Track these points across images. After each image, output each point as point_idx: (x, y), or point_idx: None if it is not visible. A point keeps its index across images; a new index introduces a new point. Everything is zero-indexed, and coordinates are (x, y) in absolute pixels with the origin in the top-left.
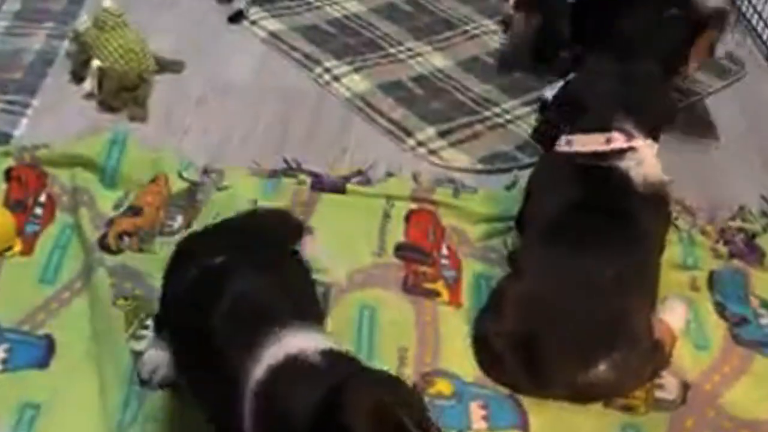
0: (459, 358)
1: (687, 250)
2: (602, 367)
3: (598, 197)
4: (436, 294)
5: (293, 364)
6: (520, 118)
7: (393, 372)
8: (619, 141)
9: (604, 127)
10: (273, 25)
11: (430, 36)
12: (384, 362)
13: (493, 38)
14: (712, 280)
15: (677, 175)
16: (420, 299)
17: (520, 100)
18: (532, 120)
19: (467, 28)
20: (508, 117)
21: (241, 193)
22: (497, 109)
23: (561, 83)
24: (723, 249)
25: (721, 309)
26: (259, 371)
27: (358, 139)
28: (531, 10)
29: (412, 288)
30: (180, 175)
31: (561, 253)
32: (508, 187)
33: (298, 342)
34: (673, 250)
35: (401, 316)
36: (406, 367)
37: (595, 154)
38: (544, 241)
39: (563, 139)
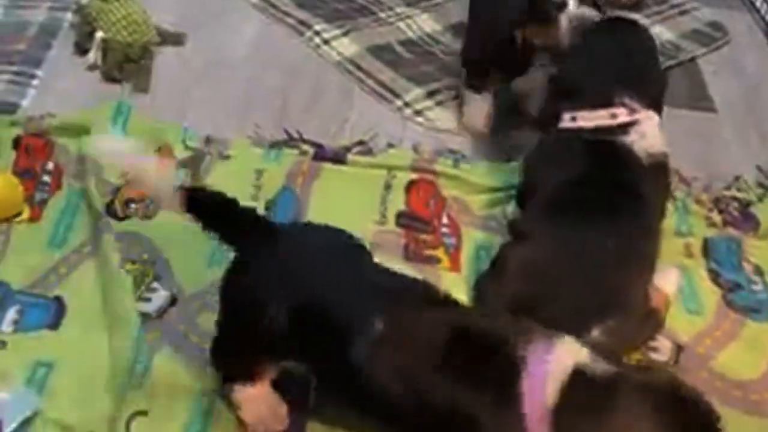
0: None
1: (682, 218)
2: (595, 332)
3: (604, 171)
4: (437, 260)
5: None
6: None
7: None
8: (623, 115)
9: (608, 103)
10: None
11: (419, 1)
12: None
13: None
14: (707, 247)
15: (674, 146)
16: (421, 266)
17: None
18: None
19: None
20: None
21: (243, 163)
22: None
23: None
24: (717, 217)
25: (714, 275)
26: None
27: (359, 110)
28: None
29: (413, 255)
30: (184, 144)
31: (565, 222)
32: (509, 159)
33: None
34: (668, 219)
35: None
36: None
37: (600, 129)
38: (549, 212)
39: (566, 116)
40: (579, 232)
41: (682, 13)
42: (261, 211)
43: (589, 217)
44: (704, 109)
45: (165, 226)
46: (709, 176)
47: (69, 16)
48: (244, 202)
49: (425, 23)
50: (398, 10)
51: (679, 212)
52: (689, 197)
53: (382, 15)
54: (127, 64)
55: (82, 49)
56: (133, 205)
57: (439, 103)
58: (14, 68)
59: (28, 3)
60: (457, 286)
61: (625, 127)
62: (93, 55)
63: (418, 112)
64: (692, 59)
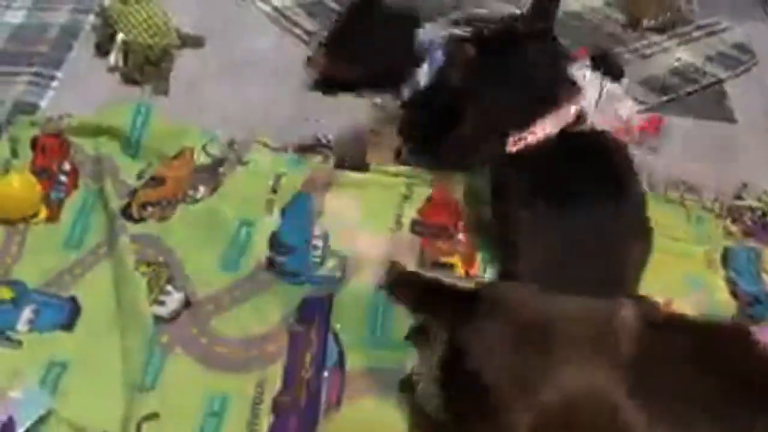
0: None
1: (699, 228)
2: None
3: (576, 169)
4: (451, 267)
5: None
6: None
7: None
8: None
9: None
10: (279, 1)
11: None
12: (401, 332)
13: None
14: (727, 257)
15: (692, 155)
16: (436, 273)
17: None
18: None
19: (477, 11)
20: None
21: (261, 168)
22: None
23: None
24: (734, 227)
25: (732, 286)
26: None
27: None
28: None
29: (428, 262)
30: (204, 150)
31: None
32: None
33: None
34: (685, 228)
35: None
36: None
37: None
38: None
39: (510, 140)
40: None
41: (709, 35)
42: (276, 216)
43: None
44: (724, 119)
45: (180, 229)
46: (726, 185)
47: (90, 18)
48: (261, 207)
49: None
50: None
51: (695, 222)
52: (703, 207)
53: None
54: (147, 67)
55: (102, 51)
56: (149, 208)
57: None
58: (34, 69)
59: (49, 5)
60: None
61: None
62: (113, 57)
63: None
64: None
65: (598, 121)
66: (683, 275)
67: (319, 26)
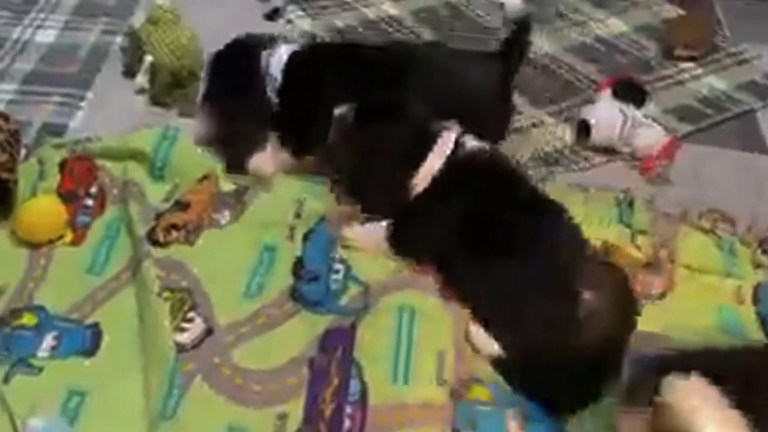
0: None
1: (729, 260)
2: None
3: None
4: None
5: None
6: (545, 126)
7: (432, 377)
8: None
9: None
10: (308, 24)
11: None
12: (423, 365)
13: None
14: (757, 293)
15: (725, 186)
16: (455, 305)
17: (545, 110)
18: (556, 130)
19: (503, 36)
20: (532, 121)
21: (285, 194)
22: (520, 116)
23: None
24: (763, 258)
25: (762, 321)
26: None
27: None
28: None
29: (446, 293)
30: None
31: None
32: None
33: None
34: (716, 260)
35: (439, 320)
36: (444, 371)
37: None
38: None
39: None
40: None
41: (740, 63)
42: (298, 242)
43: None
44: (756, 149)
45: (205, 254)
46: (756, 216)
47: (119, 39)
48: (284, 233)
49: None
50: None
51: (725, 253)
52: (735, 238)
53: None
54: (174, 89)
55: (130, 73)
56: (174, 232)
57: None
58: (64, 90)
59: (81, 26)
60: None
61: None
62: (141, 79)
63: None
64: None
65: (623, 149)
66: (714, 308)
67: None
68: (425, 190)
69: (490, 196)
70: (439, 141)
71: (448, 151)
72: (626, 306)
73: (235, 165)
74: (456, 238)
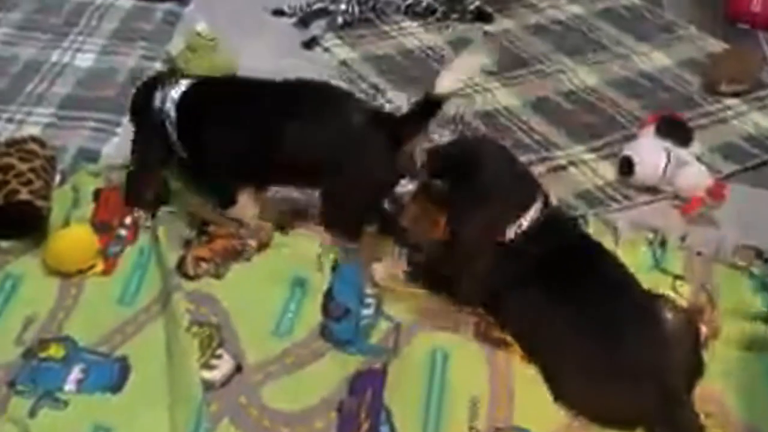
0: (535, 413)
1: (765, 298)
2: None
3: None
4: (509, 344)
5: None
6: (585, 163)
7: (464, 425)
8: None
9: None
10: (345, 53)
11: (502, 72)
12: (455, 411)
13: (569, 76)
14: None
15: (755, 223)
16: (492, 348)
17: (587, 146)
18: (596, 167)
19: (542, 67)
20: (572, 160)
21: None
22: (561, 152)
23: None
24: None
25: None
26: None
27: None
28: None
29: (484, 335)
30: None
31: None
32: None
33: None
34: (749, 298)
35: (474, 364)
36: (477, 419)
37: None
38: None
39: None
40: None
41: None
42: (327, 273)
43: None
44: None
45: (235, 288)
46: None
47: (157, 65)
48: (313, 264)
49: (504, 95)
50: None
51: (759, 291)
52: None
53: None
54: None
55: None
56: (203, 264)
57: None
58: (100, 115)
59: (120, 50)
60: (532, 375)
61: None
62: None
63: None
64: None
65: (666, 188)
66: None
67: (386, 81)
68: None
69: (560, 243)
70: (539, 199)
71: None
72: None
73: (135, 198)
74: (528, 279)
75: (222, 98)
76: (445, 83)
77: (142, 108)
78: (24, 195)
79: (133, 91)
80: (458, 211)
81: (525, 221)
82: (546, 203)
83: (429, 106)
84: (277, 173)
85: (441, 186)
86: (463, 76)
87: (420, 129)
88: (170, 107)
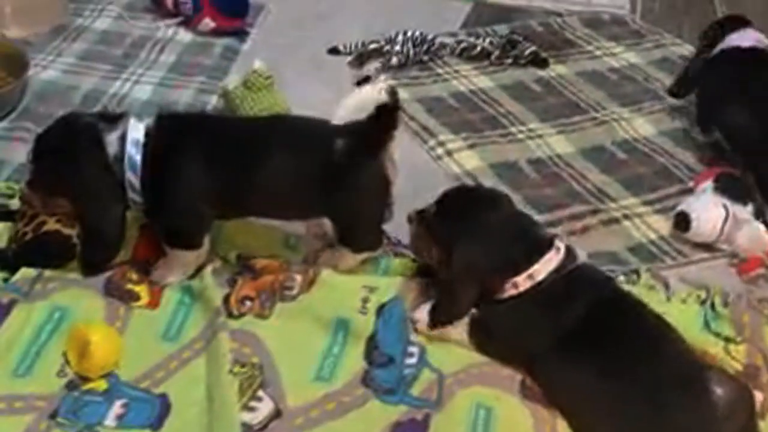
0: None
1: None
2: None
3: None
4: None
5: None
6: (639, 216)
7: None
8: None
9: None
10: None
11: (556, 118)
12: None
13: (623, 125)
14: None
15: None
16: (538, 406)
17: (641, 198)
18: (651, 221)
19: (597, 114)
20: (625, 213)
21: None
22: (614, 204)
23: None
24: None
25: None
26: None
27: None
28: None
29: (529, 392)
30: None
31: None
32: None
33: None
34: None
35: (518, 421)
36: None
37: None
38: None
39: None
40: None
41: None
42: (372, 315)
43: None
44: None
45: (279, 328)
46: None
47: (214, 99)
48: (357, 306)
49: (557, 143)
50: (531, 125)
51: None
52: None
53: (513, 129)
54: None
55: None
56: (248, 302)
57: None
58: None
59: (176, 83)
60: None
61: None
62: None
63: None
64: None
65: (723, 246)
66: None
67: (437, 123)
68: (526, 294)
69: (590, 305)
70: (552, 250)
71: (557, 262)
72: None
73: (91, 266)
74: (556, 340)
75: (200, 133)
76: (340, 113)
77: (82, 157)
78: (51, 225)
79: (44, 135)
80: (442, 241)
81: (538, 272)
82: (568, 257)
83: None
84: (260, 205)
85: (431, 213)
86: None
87: (391, 130)
88: (133, 150)
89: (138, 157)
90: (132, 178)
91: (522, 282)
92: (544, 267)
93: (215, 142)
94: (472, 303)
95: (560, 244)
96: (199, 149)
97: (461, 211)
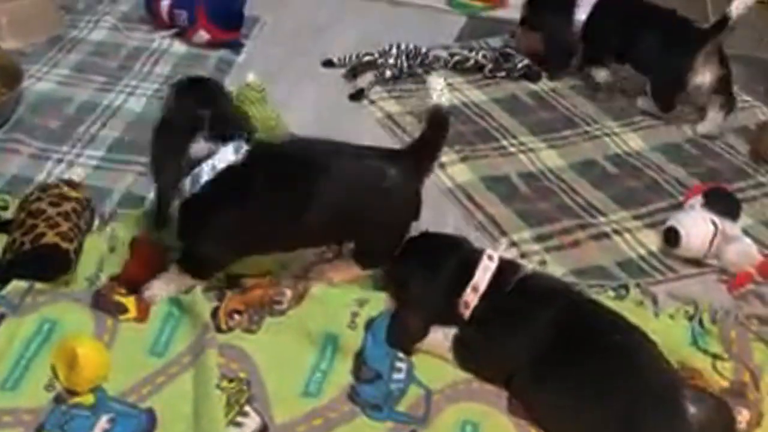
0: None
1: None
2: None
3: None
4: None
5: None
6: (629, 231)
7: None
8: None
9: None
10: (391, 106)
11: (548, 132)
12: None
13: (614, 140)
14: None
15: None
16: (525, 422)
17: (631, 213)
18: (640, 236)
19: (588, 128)
20: (615, 227)
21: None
22: (604, 219)
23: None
24: None
25: None
26: None
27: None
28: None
29: (516, 408)
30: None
31: None
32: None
33: None
34: None
35: None
36: None
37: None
38: None
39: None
40: None
41: None
42: (360, 331)
43: None
44: None
45: (267, 343)
46: None
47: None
48: (345, 320)
49: (549, 157)
50: (522, 138)
51: None
52: None
53: (504, 143)
54: None
55: None
56: (236, 316)
57: (548, 250)
58: (146, 159)
59: None
60: None
61: None
62: None
63: (524, 255)
64: None
65: (712, 262)
66: None
67: None
68: (483, 310)
69: (560, 319)
70: (482, 262)
71: (492, 271)
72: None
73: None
74: (529, 358)
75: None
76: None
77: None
78: (50, 238)
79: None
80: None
81: (479, 282)
82: (510, 266)
83: (438, 122)
84: (305, 237)
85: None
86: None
87: (438, 148)
88: (204, 172)
89: (202, 180)
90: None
91: (470, 296)
92: (483, 275)
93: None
94: (421, 333)
95: (491, 253)
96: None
97: (413, 253)
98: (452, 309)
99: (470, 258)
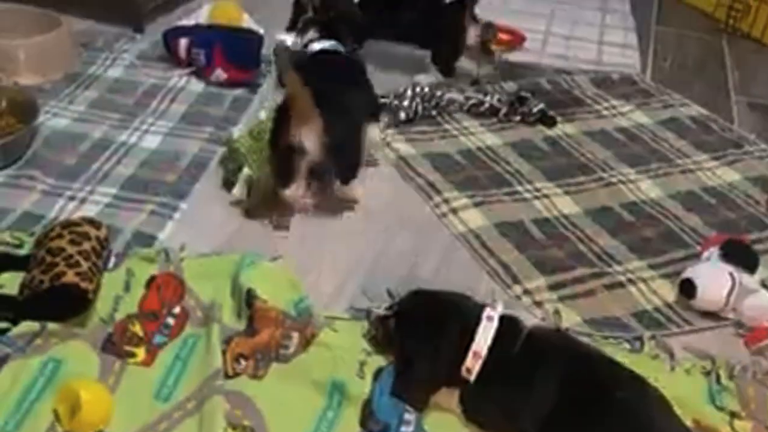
0: None
1: None
2: None
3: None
4: None
5: None
6: (644, 281)
7: None
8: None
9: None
10: (405, 148)
11: (562, 178)
12: None
13: (630, 187)
14: None
15: None
16: None
17: (647, 262)
18: (656, 286)
19: (604, 175)
20: (630, 277)
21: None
22: (620, 268)
23: None
24: None
25: None
26: None
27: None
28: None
29: None
30: (294, 313)
31: None
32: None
33: None
34: None
35: None
36: None
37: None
38: None
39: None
40: None
41: None
42: (368, 380)
43: None
44: None
45: (272, 390)
46: None
47: (221, 149)
48: (353, 369)
49: (564, 203)
50: (537, 184)
51: None
52: None
53: (519, 188)
54: (270, 203)
55: (228, 184)
56: (242, 362)
57: (561, 299)
58: (159, 199)
59: (185, 133)
60: None
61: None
62: (237, 191)
63: (538, 304)
64: None
65: (729, 315)
66: None
67: (443, 180)
68: (488, 372)
69: (568, 376)
70: (481, 324)
71: (492, 332)
72: None
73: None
74: (535, 417)
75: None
76: None
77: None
78: (70, 277)
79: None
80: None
81: (480, 347)
82: (511, 324)
83: None
84: None
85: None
86: None
87: None
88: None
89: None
90: None
91: (471, 363)
92: (483, 339)
93: None
94: (425, 404)
95: (491, 313)
96: None
97: (413, 326)
98: (455, 375)
99: (470, 321)
